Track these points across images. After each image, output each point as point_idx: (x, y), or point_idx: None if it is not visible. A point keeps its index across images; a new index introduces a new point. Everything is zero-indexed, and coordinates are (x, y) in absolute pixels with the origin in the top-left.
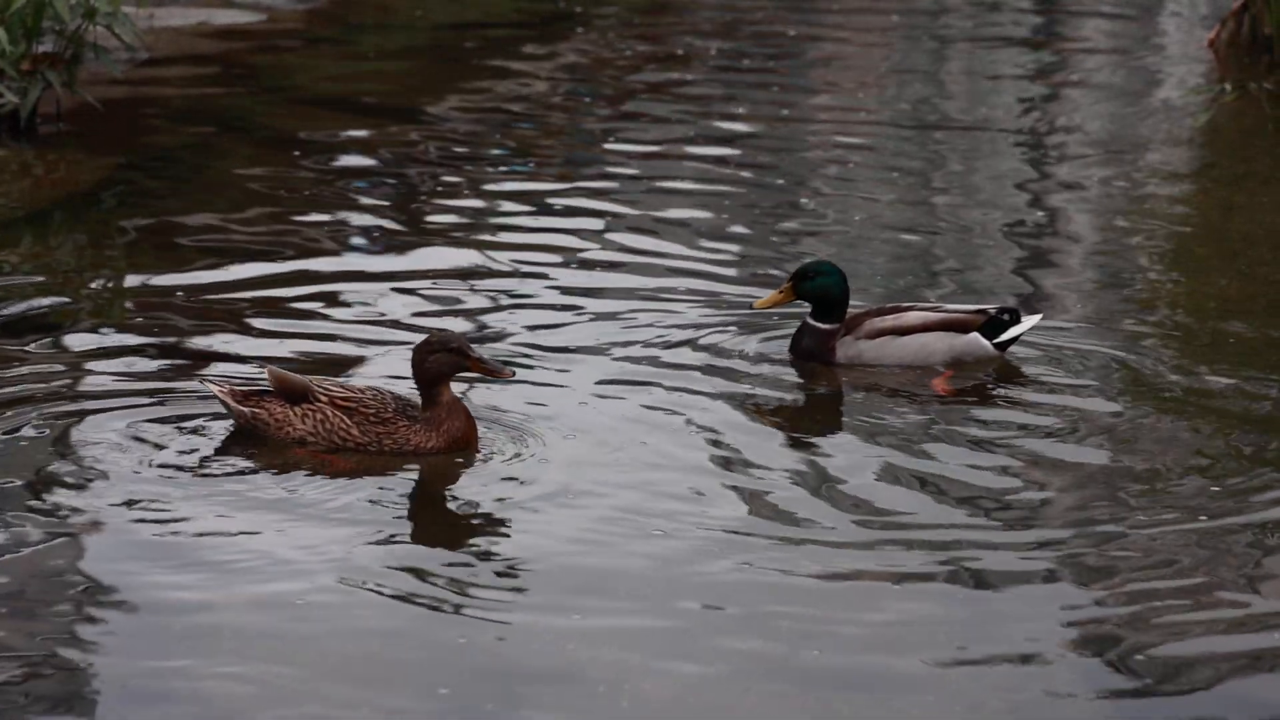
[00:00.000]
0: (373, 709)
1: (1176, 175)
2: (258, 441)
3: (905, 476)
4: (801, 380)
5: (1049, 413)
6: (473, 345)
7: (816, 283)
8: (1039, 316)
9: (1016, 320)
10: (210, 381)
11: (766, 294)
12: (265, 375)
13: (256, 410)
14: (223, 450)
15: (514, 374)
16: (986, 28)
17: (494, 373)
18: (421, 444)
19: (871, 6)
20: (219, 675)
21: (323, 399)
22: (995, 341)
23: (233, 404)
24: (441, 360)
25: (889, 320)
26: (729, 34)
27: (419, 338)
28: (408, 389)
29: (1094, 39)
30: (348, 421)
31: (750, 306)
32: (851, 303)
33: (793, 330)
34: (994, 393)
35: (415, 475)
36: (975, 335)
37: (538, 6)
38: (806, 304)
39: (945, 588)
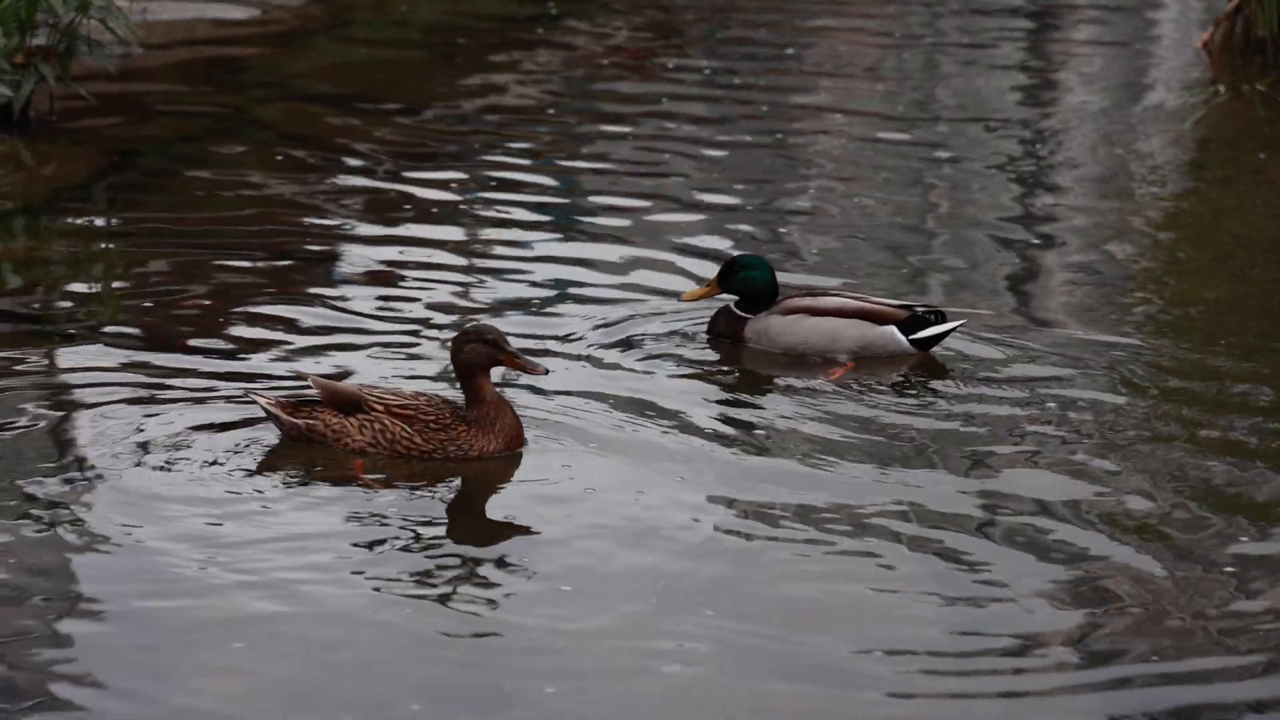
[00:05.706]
0: (360, 707)
1: (1169, 176)
2: (254, 439)
3: (885, 466)
4: (706, 360)
5: (1030, 408)
6: (509, 339)
7: (741, 276)
8: (962, 320)
9: (942, 321)
10: (257, 394)
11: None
12: (310, 383)
13: (311, 422)
14: (218, 447)
15: (548, 371)
16: (979, 31)
17: (528, 369)
18: (485, 448)
19: (865, 10)
20: (207, 672)
21: (378, 408)
22: (913, 338)
23: (284, 416)
24: (477, 351)
25: (805, 300)
26: (719, 33)
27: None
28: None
29: (1087, 40)
30: (409, 430)
31: (678, 299)
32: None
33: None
34: (964, 390)
35: (421, 477)
36: (891, 328)
37: (526, 6)
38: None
39: (934, 585)
